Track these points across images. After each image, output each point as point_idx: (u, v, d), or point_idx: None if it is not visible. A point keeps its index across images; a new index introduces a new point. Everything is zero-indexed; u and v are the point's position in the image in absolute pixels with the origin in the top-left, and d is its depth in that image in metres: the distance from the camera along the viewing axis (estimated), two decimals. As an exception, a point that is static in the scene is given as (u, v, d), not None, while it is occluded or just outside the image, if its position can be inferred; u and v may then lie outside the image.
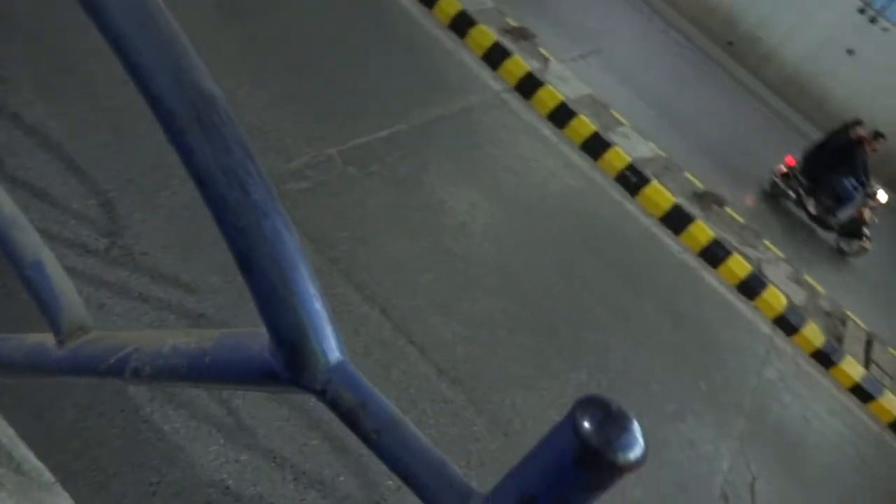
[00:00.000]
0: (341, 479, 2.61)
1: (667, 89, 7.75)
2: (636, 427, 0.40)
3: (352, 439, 2.55)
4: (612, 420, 0.39)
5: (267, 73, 4.01)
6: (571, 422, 0.39)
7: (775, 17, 9.67)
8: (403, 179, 3.99)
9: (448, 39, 5.59)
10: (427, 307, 3.41)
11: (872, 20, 9.15)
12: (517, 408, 3.20)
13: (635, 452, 0.39)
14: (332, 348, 0.47)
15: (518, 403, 3.23)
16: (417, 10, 5.64)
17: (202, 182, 0.46)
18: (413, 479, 0.45)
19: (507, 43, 5.77)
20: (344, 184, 3.69)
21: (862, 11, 9.18)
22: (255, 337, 0.50)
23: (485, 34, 5.63)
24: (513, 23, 6.10)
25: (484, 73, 5.53)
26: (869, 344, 5.73)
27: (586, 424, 0.38)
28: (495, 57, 5.60)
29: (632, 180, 5.46)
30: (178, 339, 0.55)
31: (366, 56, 4.75)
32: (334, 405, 0.47)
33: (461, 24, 5.66)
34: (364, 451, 2.78)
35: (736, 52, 9.88)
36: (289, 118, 3.80)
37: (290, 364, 0.47)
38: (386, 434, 0.46)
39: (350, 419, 0.47)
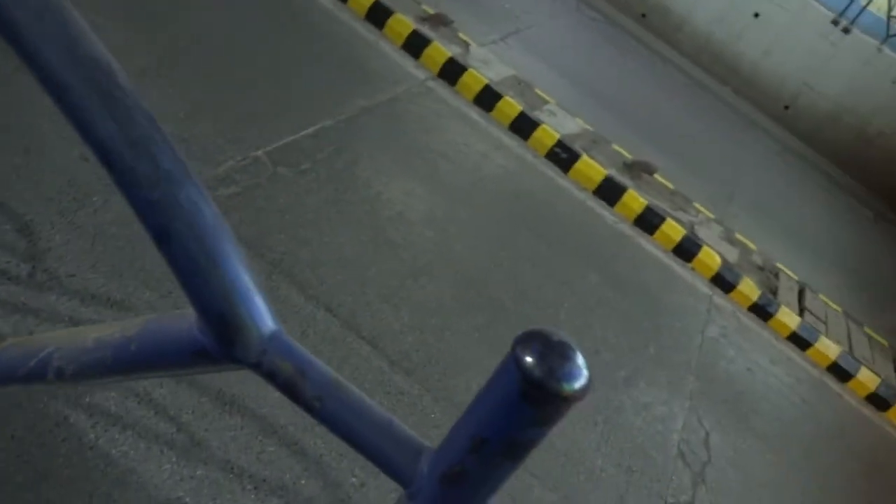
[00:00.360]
0: (303, 482, 2.57)
1: (587, 65, 7.88)
2: (579, 356, 0.39)
3: (310, 441, 2.52)
4: (554, 351, 0.38)
5: (182, 79, 3.89)
6: (514, 358, 0.38)
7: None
8: (336, 175, 3.94)
9: (366, 31, 5.54)
10: (374, 300, 3.38)
11: (774, -17, 9.53)
12: (473, 390, 3.21)
13: (579, 382, 0.38)
14: (263, 318, 0.45)
15: (473, 386, 3.24)
16: (332, 4, 5.56)
17: (108, 157, 0.43)
18: (362, 443, 0.44)
19: (426, 30, 5.76)
20: (276, 185, 3.62)
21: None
22: (182, 317, 0.47)
23: (402, 23, 5.61)
24: (429, 10, 6.09)
25: (406, 62, 5.51)
26: (801, 293, 5.97)
27: (528, 358, 0.38)
28: (416, 45, 5.58)
29: (562, 156, 5.54)
30: (101, 332, 0.52)
31: (283, 54, 4.66)
32: (272, 376, 0.45)
33: (378, 14, 5.62)
34: (324, 451, 2.74)
35: (650, 24, 10.12)
36: (210, 123, 3.70)
37: (220, 338, 0.44)
38: (329, 400, 0.44)
39: (290, 389, 0.45)
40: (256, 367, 0.46)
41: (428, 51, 5.57)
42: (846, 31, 9.42)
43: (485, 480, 0.41)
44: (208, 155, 3.52)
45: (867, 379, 5.44)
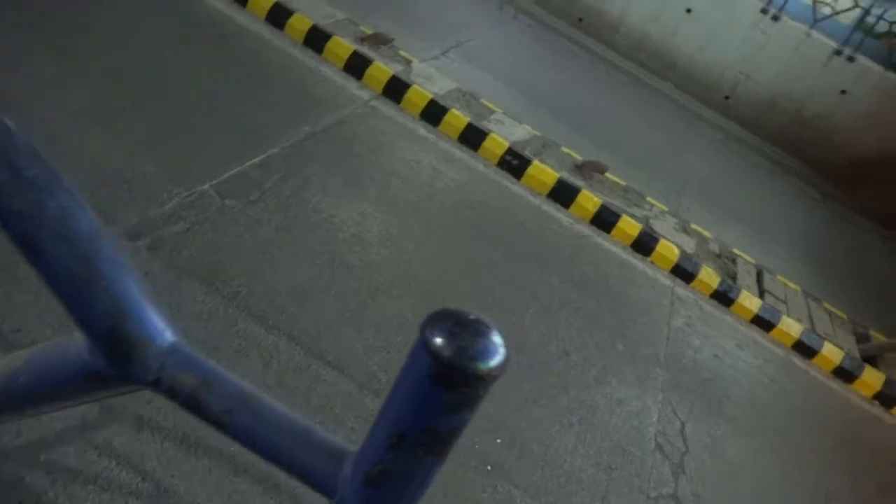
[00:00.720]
0: (277, 517, 2.50)
1: (530, 72, 7.96)
2: (494, 333, 0.36)
3: (282, 476, 2.41)
4: (466, 329, 0.35)
5: (120, 117, 3.80)
6: (422, 341, 0.35)
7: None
8: (286, 202, 3.88)
9: (306, 57, 5.50)
10: (336, 324, 3.32)
11: (703, -21, 9.79)
12: (444, 405, 3.16)
13: (495, 359, 0.35)
14: (158, 330, 0.41)
15: (444, 400, 3.19)
16: (269, 34, 5.52)
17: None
18: (280, 456, 0.40)
19: (367, 51, 5.75)
20: (225, 217, 3.55)
21: (692, -28, 9.80)
22: (70, 341, 0.43)
23: (342, 46, 5.59)
24: (367, 30, 6.09)
25: (349, 83, 5.49)
26: (759, 275, 6.07)
27: (437, 339, 0.34)
28: (357, 66, 5.57)
29: (514, 163, 5.56)
30: (-14, 369, 0.47)
31: (223, 85, 4.60)
32: (172, 393, 0.41)
33: (316, 39, 5.59)
34: (298, 485, 2.67)
35: (587, 28, 10.30)
36: (152, 161, 3.61)
37: (112, 357, 0.40)
38: (239, 412, 0.40)
39: (194, 404, 0.40)
40: (155, 385, 0.41)
41: (370, 70, 5.55)
42: (776, 18, 9.71)
43: (409, 478, 0.38)
44: (153, 193, 3.44)
45: (831, 353, 5.54)
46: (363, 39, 5.93)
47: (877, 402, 5.52)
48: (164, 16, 4.95)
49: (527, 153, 5.66)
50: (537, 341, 3.99)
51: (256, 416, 0.41)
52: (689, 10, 9.95)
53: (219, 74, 4.68)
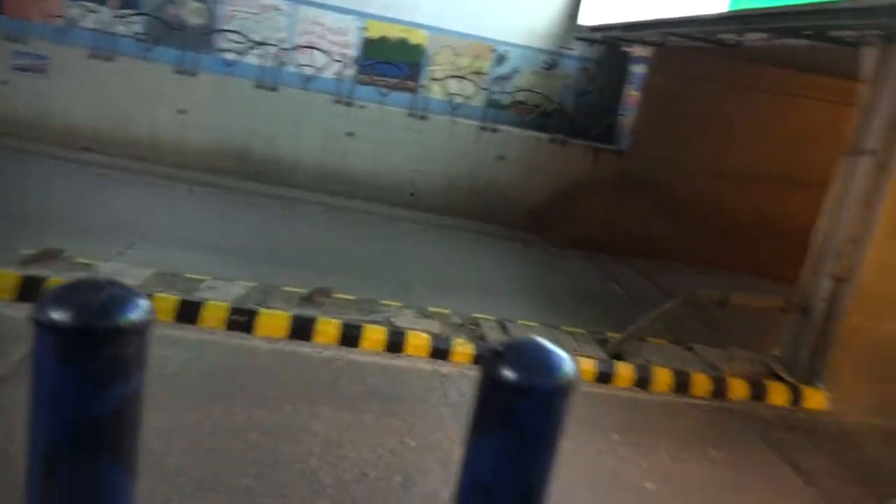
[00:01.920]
0: None
1: (228, 233, 7.92)
2: (117, 286, 0.32)
3: None
4: (83, 291, 0.31)
5: None
6: (37, 326, 0.30)
7: (278, 135, 10.70)
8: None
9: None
10: None
11: (348, 105, 10.76)
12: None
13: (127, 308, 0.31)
14: None
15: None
16: None
17: None
18: None
19: (38, 270, 5.24)
20: None
21: (338, 102, 10.73)
22: None
23: (7, 276, 5.04)
24: (31, 251, 5.57)
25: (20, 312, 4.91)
26: (503, 327, 6.55)
27: (53, 314, 0.30)
28: (30, 289, 5.03)
29: (242, 320, 5.40)
30: None
31: None
32: None
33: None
34: None
35: (267, 177, 10.61)
36: None
37: None
38: None
39: None
40: None
41: (45, 286, 5.05)
42: (423, 118, 10.98)
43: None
44: None
45: (587, 365, 6.09)
46: (30, 261, 5.41)
47: (638, 388, 6.14)
48: None
49: (250, 306, 5.54)
50: (330, 476, 3.79)
51: None
52: (350, 134, 10.82)
53: None
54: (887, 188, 6.18)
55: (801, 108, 10.85)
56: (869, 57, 6.45)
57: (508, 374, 0.37)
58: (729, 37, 8.62)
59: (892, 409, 6.42)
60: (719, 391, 6.28)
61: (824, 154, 8.15)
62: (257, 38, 10.96)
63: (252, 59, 10.89)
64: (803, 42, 7.25)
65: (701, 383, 6.27)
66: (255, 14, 11.14)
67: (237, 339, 5.29)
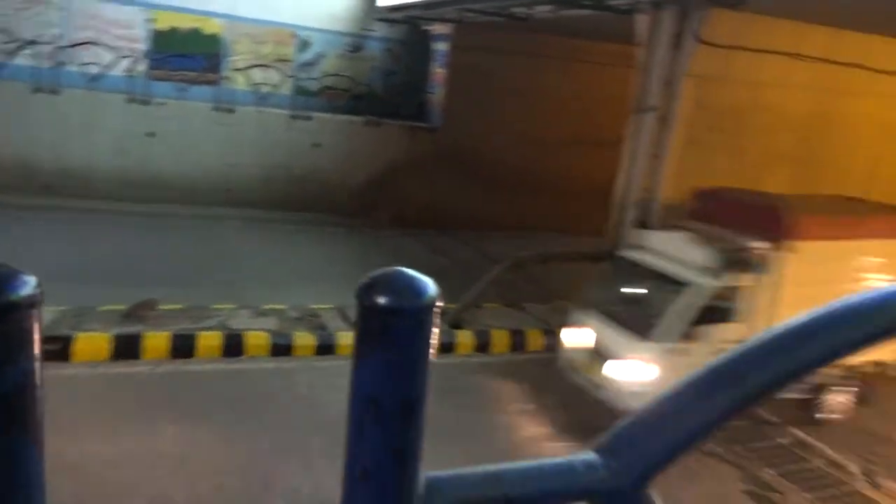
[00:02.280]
0: None
1: (15, 256, 7.11)
2: None
3: None
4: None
5: None
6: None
7: (66, 143, 9.71)
8: None
9: None
10: None
11: (145, 103, 10.01)
12: None
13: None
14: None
15: None
16: None
17: None
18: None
19: None
20: None
21: (132, 101, 9.95)
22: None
23: None
24: None
25: None
26: (344, 314, 6.52)
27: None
28: None
29: (55, 349, 4.93)
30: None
31: None
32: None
33: None
34: None
35: (60, 190, 9.61)
36: None
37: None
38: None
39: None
40: None
41: None
42: (230, 110, 10.51)
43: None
44: None
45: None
46: None
47: (479, 353, 6.43)
48: None
49: (63, 332, 5.05)
50: (183, 493, 3.61)
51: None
52: (151, 134, 10.09)
53: None
54: (669, 140, 6.93)
55: (591, 74, 11.74)
56: (642, 22, 7.14)
57: (381, 299, 0.41)
58: (520, 10, 9.10)
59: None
60: (551, 344, 6.74)
61: (616, 114, 8.89)
62: (28, 36, 9.84)
63: (23, 59, 9.76)
64: (585, 12, 7.85)
65: (535, 339, 6.69)
66: (21, 10, 9.94)
67: (52, 370, 4.79)
